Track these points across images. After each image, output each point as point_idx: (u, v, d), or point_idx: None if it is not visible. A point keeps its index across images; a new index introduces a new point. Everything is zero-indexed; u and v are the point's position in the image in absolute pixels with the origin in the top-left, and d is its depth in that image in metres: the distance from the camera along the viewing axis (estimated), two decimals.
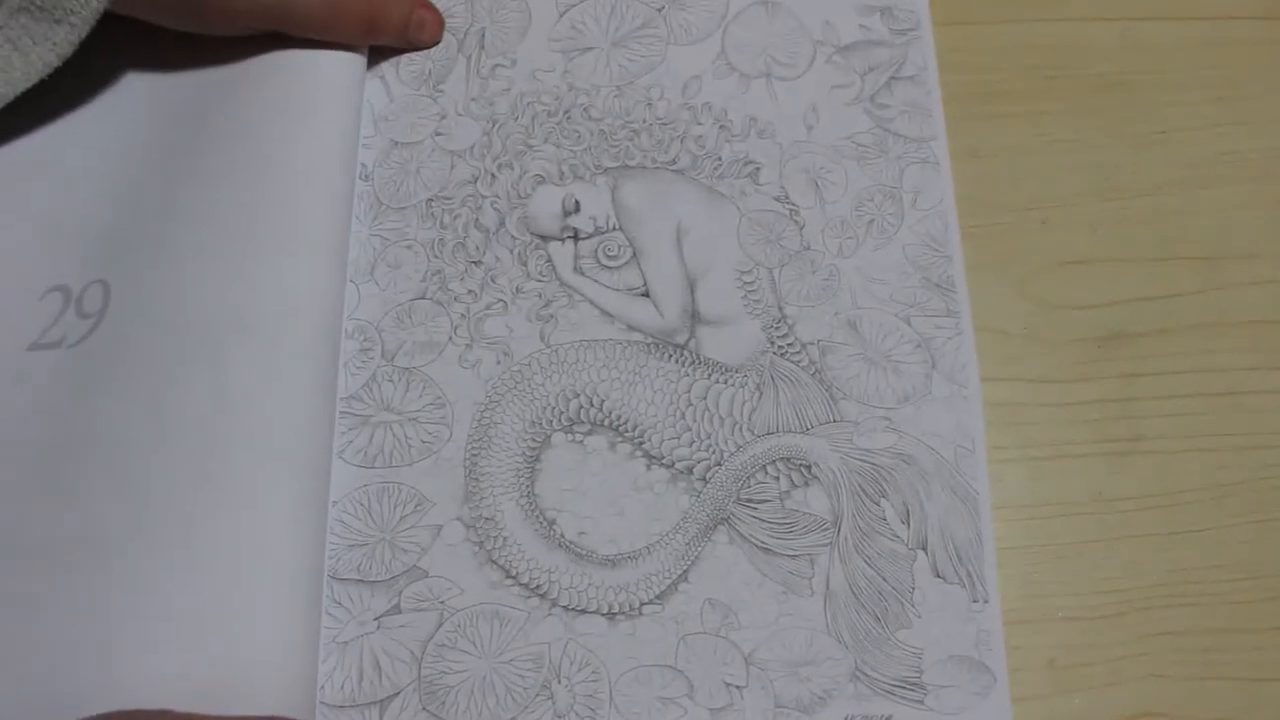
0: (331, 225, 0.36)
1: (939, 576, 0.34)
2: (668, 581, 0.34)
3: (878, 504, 0.35)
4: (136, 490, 0.32)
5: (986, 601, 0.34)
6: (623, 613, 0.34)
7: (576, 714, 0.33)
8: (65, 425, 0.33)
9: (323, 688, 0.33)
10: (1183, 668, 0.33)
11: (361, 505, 0.35)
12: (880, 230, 0.38)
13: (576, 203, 0.38)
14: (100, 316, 0.34)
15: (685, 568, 0.34)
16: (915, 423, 0.36)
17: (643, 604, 0.34)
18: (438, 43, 0.41)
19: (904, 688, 0.33)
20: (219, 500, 0.31)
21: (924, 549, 0.34)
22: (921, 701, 0.33)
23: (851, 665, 0.33)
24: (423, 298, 0.37)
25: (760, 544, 0.34)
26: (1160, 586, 0.34)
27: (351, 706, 0.32)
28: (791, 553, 0.34)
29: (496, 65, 0.40)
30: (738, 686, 0.33)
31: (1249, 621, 0.34)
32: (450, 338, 0.37)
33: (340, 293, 0.36)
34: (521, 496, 0.35)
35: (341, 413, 0.36)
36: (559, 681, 0.33)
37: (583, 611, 0.34)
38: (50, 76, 0.35)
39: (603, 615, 0.34)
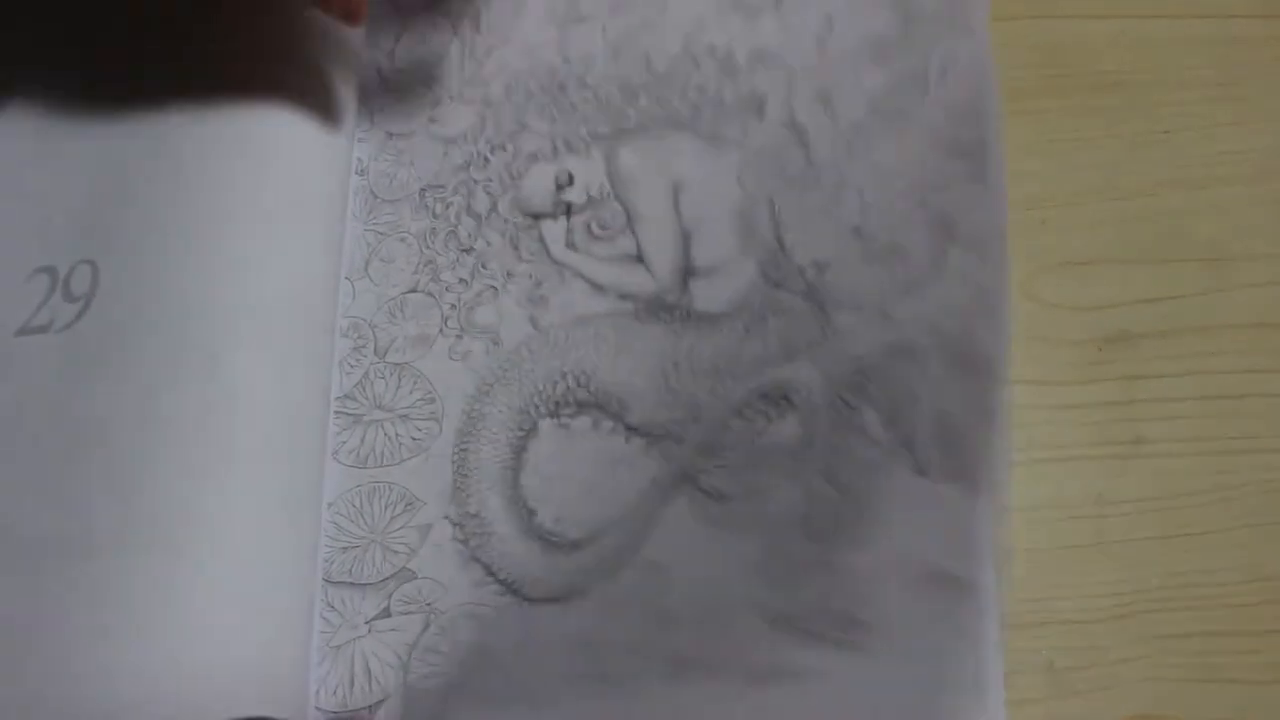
0: (328, 216, 0.35)
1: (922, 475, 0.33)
2: (623, 555, 0.33)
3: (857, 410, 0.34)
4: (127, 483, 0.30)
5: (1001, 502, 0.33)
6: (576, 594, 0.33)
7: None
8: (56, 413, 0.32)
9: (316, 692, 0.32)
10: (1183, 671, 0.33)
11: (354, 507, 0.34)
12: (901, 117, 0.37)
13: (570, 175, 0.38)
14: (89, 300, 0.33)
15: (641, 541, 0.33)
16: (921, 307, 0.35)
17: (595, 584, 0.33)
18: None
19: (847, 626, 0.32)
20: (212, 494, 0.30)
21: (909, 448, 0.33)
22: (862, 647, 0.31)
23: (781, 609, 0.32)
24: (414, 290, 0.36)
25: (718, 494, 0.33)
26: (1161, 589, 0.34)
27: (344, 711, 0.32)
28: (749, 494, 0.33)
29: (491, 46, 0.39)
30: None
31: (1250, 624, 0.34)
32: (440, 329, 0.36)
33: (335, 286, 0.35)
34: (507, 488, 0.34)
35: (335, 412, 0.35)
36: None
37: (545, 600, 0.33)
38: None
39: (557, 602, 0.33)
